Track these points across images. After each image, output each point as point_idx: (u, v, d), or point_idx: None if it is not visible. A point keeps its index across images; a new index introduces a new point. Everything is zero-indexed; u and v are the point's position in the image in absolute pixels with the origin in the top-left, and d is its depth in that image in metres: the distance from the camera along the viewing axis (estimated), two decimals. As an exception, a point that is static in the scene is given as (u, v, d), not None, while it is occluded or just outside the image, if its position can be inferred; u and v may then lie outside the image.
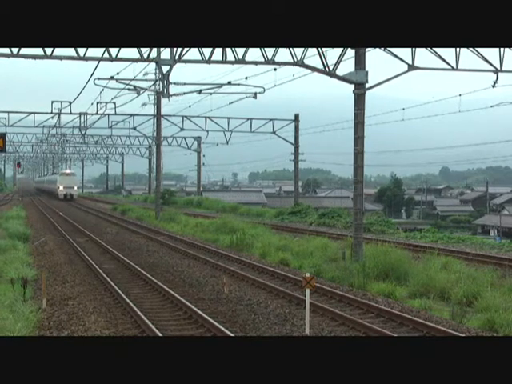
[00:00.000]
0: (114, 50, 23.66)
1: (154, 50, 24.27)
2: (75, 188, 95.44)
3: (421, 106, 43.23)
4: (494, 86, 26.30)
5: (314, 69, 24.44)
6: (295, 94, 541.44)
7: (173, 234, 37.00)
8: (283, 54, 23.83)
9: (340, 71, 23.92)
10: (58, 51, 23.38)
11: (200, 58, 23.97)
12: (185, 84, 30.27)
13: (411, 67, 24.24)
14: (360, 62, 23.47)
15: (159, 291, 18.62)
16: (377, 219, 43.89)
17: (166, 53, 24.58)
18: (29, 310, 14.61)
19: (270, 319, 15.08)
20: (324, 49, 23.68)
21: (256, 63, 24.61)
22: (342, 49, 23.21)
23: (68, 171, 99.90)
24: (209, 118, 60.07)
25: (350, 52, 23.66)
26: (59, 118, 56.39)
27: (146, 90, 39.34)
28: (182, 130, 64.04)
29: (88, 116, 57.66)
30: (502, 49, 24.78)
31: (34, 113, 57.26)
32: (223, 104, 44.16)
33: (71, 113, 51.70)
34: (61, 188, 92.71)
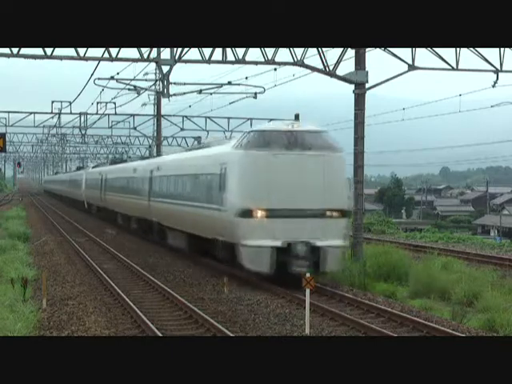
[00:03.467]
0: (114, 50, 23.65)
1: (154, 50, 24.25)
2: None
3: (421, 106, 43.20)
4: (494, 86, 26.29)
5: (313, 69, 24.44)
6: (295, 94, 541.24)
7: (173, 234, 36.91)
8: (283, 54, 23.83)
9: (340, 71, 23.94)
10: (58, 51, 23.37)
11: (200, 58, 23.95)
12: (185, 84, 30.26)
13: (411, 67, 24.25)
14: (360, 62, 23.47)
15: (159, 291, 18.61)
16: (377, 219, 43.93)
17: (166, 53, 24.56)
18: (29, 309, 14.60)
19: (270, 319, 15.07)
20: (324, 49, 23.70)
21: (256, 63, 24.60)
22: (342, 49, 23.21)
23: (310, 127, 19.71)
24: (209, 117, 59.94)
25: (350, 52, 23.67)
26: (59, 118, 56.30)
27: (146, 89, 39.33)
28: (182, 129, 63.86)
29: (88, 116, 57.57)
30: (502, 49, 24.78)
31: (34, 113, 57.11)
32: (223, 104, 44.12)
33: (71, 113, 51.55)
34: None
